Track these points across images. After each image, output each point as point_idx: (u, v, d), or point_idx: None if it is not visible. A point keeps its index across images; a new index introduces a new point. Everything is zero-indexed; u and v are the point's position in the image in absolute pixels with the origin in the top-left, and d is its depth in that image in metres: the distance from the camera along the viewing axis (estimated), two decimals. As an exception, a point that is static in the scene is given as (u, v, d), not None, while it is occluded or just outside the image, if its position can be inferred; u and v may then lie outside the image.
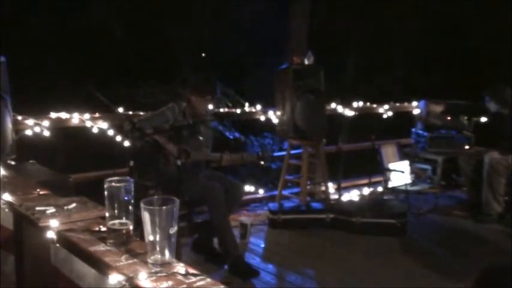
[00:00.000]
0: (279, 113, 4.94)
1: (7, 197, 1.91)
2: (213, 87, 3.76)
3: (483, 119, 5.52)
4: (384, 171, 5.34)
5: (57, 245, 1.63)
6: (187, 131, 3.57)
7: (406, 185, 5.17)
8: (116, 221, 1.46)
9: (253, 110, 5.22)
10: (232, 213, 3.94)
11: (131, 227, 1.48)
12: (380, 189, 5.53)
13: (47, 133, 3.95)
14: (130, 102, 6.05)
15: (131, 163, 3.52)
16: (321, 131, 4.81)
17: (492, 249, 4.21)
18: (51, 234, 1.61)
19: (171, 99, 3.81)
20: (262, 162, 3.73)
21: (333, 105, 5.58)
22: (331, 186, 5.25)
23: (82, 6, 8.65)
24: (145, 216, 1.28)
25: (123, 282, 1.27)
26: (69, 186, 3.09)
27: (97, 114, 4.19)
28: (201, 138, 3.70)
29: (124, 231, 1.46)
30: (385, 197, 5.30)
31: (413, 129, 5.94)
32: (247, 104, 5.44)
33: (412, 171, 5.58)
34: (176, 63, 8.84)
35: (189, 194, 3.37)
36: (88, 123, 4.13)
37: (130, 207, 1.47)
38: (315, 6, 8.44)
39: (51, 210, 1.70)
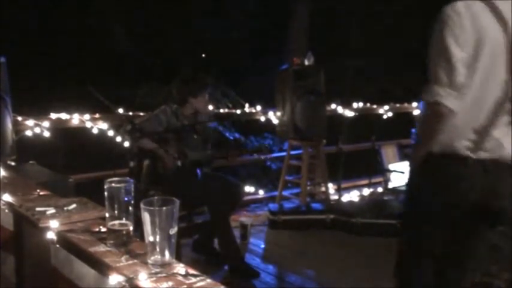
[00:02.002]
0: (279, 113, 4.94)
1: (7, 197, 1.91)
2: (202, 81, 3.77)
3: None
4: (384, 171, 5.33)
5: (57, 245, 1.63)
6: (185, 132, 3.58)
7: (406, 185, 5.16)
8: (116, 222, 1.46)
9: (253, 110, 5.22)
10: (233, 214, 3.94)
11: (131, 228, 1.47)
12: (380, 189, 5.53)
13: (47, 134, 3.96)
14: (130, 103, 6.05)
15: (131, 164, 3.53)
16: (321, 131, 4.81)
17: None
18: (51, 235, 1.61)
19: (170, 100, 3.82)
20: (262, 157, 3.74)
21: (333, 105, 5.59)
22: (331, 187, 5.25)
23: (82, 6, 8.65)
24: (146, 217, 1.28)
25: (123, 283, 1.27)
26: (69, 187, 3.09)
27: (97, 115, 4.19)
28: (197, 137, 3.71)
29: (124, 232, 1.46)
30: (385, 198, 5.29)
31: (413, 130, 5.93)
32: (247, 105, 5.45)
33: (412, 172, 5.57)
34: (176, 63, 8.84)
35: (189, 195, 3.37)
36: (88, 124, 4.14)
37: (130, 208, 1.46)
38: (315, 7, 8.45)
39: (51, 211, 1.70)
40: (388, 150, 5.44)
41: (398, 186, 5.26)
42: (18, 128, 3.72)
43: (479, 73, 1.95)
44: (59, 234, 1.59)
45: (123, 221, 1.46)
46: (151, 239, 1.29)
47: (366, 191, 5.57)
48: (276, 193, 5.20)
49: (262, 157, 3.78)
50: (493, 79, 1.95)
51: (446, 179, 2.07)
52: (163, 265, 1.30)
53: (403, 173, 5.26)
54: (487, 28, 1.92)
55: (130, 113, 4.36)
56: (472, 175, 2.02)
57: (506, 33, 1.91)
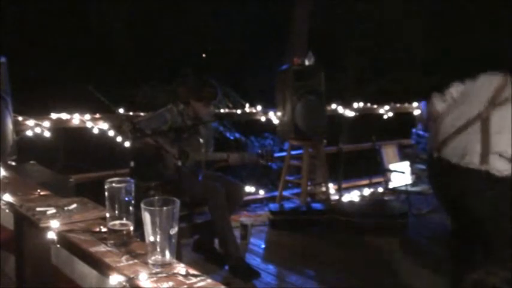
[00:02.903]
0: (279, 113, 4.94)
1: (8, 197, 1.91)
2: (213, 91, 3.74)
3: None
4: (384, 171, 5.33)
5: (58, 245, 1.63)
6: (187, 132, 3.58)
7: (406, 185, 5.17)
8: (117, 222, 1.46)
9: (254, 110, 5.21)
10: (233, 214, 3.94)
11: (132, 228, 1.47)
12: (380, 189, 5.53)
13: (47, 134, 3.96)
14: (130, 103, 6.05)
15: (132, 164, 3.53)
16: (321, 131, 4.81)
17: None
18: (51, 235, 1.61)
19: (172, 100, 3.82)
20: (263, 162, 3.74)
21: (333, 105, 5.58)
22: (332, 187, 5.25)
23: (83, 6, 8.65)
24: (146, 217, 1.28)
25: (124, 283, 1.27)
26: (69, 187, 3.09)
27: (97, 115, 4.19)
28: (200, 139, 3.70)
29: (124, 232, 1.46)
30: (386, 198, 5.30)
31: (413, 130, 5.93)
32: (247, 105, 5.44)
33: (413, 172, 5.57)
34: (177, 63, 8.85)
35: (189, 195, 3.37)
36: (88, 124, 4.14)
37: (130, 208, 1.46)
38: (315, 7, 8.44)
39: (51, 211, 1.70)
40: (389, 150, 5.45)
41: (399, 186, 5.27)
42: (18, 128, 3.72)
43: (460, 106, 2.80)
44: (60, 234, 1.59)
45: (124, 221, 1.46)
46: (151, 239, 1.29)
47: (367, 191, 5.58)
48: (276, 193, 5.20)
49: (264, 162, 3.77)
50: (470, 111, 2.72)
51: (429, 167, 3.08)
52: (164, 265, 1.30)
53: (403, 173, 5.27)
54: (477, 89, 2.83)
55: (131, 113, 4.36)
56: (436, 172, 2.88)
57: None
